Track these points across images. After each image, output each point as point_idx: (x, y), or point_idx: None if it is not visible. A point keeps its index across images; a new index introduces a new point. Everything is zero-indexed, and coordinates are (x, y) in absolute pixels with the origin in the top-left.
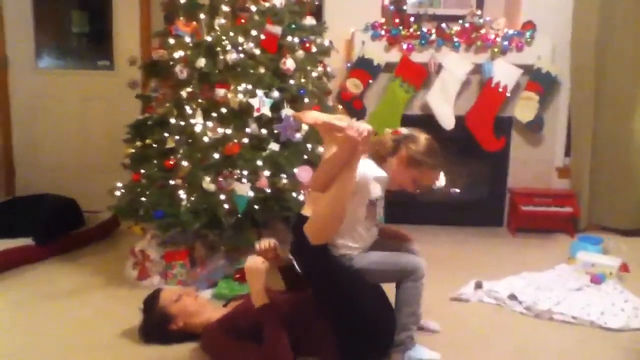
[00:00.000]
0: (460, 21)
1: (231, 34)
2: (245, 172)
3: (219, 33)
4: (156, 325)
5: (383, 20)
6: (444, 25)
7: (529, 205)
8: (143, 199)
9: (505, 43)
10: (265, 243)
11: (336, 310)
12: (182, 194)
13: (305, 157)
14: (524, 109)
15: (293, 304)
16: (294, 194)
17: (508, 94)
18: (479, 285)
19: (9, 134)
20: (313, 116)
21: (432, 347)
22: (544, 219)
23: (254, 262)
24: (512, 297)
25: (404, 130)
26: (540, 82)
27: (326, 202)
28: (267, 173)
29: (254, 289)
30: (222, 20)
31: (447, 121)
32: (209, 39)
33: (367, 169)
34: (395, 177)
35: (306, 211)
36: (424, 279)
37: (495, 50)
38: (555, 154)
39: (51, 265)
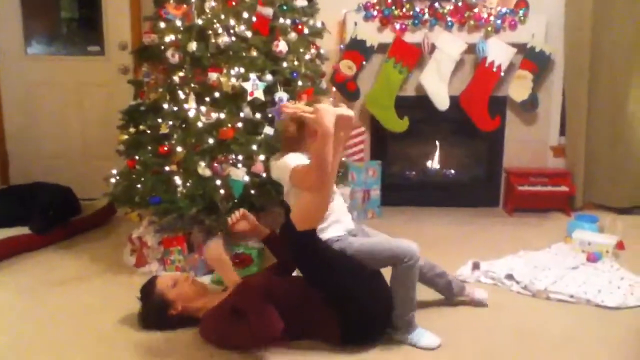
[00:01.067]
0: (453, 0)
1: (222, 16)
2: (240, 157)
3: (209, 16)
4: (155, 312)
5: (375, 0)
6: (437, 4)
7: (524, 185)
8: (139, 185)
9: (499, 22)
10: (234, 216)
11: (331, 294)
12: (177, 179)
13: None
14: (519, 88)
15: (294, 288)
16: None
17: (502, 73)
18: (476, 266)
19: (2, 122)
20: (291, 109)
21: (430, 327)
22: (540, 199)
23: (211, 251)
24: (509, 276)
25: (289, 106)
26: (534, 60)
27: (309, 189)
28: (262, 157)
29: (222, 274)
30: (213, 3)
31: (442, 102)
32: (199, 22)
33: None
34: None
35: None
36: (420, 262)
37: (489, 29)
38: (550, 133)
39: (48, 254)
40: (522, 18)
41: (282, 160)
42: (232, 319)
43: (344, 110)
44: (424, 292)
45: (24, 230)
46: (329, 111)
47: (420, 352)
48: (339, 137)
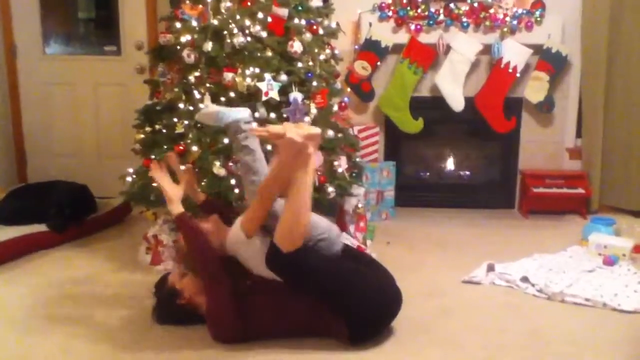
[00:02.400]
0: (469, 1)
1: (237, 17)
2: None
3: (225, 16)
4: (166, 302)
5: (390, 1)
6: (452, 5)
7: (540, 187)
8: (154, 184)
9: (515, 22)
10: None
11: (336, 302)
12: None
13: None
14: (534, 90)
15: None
16: None
17: (518, 75)
18: (491, 268)
19: (20, 121)
20: (257, 131)
21: (444, 328)
22: (556, 201)
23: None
24: (525, 279)
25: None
26: (550, 61)
27: (288, 209)
28: None
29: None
30: (229, 4)
31: (457, 103)
32: (215, 22)
33: None
34: None
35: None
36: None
37: (505, 30)
38: (566, 134)
39: (65, 252)
40: (538, 19)
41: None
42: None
43: (311, 129)
44: (430, 301)
45: (40, 228)
46: (303, 134)
47: (430, 351)
48: (305, 154)
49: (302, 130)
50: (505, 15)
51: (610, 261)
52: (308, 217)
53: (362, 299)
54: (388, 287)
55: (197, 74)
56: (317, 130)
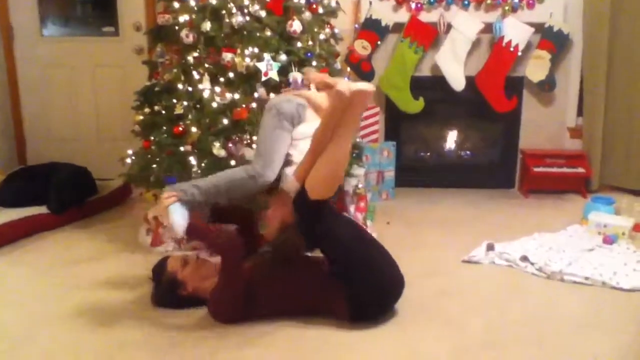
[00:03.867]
0: None
1: None
2: (254, 138)
3: None
4: (167, 292)
5: None
6: None
7: (540, 166)
8: (154, 165)
9: (516, 1)
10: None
11: (341, 264)
12: (192, 160)
13: None
14: (536, 69)
15: (303, 266)
16: None
17: (519, 53)
18: (490, 247)
19: (19, 104)
20: (313, 75)
21: (445, 308)
22: (556, 180)
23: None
24: (524, 258)
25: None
26: (552, 40)
27: (326, 159)
28: None
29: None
30: None
31: (458, 82)
32: (214, 2)
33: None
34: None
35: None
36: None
37: (506, 8)
38: (568, 114)
39: (66, 233)
40: None
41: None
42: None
43: (364, 85)
44: (430, 281)
45: (40, 210)
46: (352, 88)
47: (430, 331)
48: (355, 113)
49: (354, 85)
50: None
51: (609, 240)
52: (343, 171)
53: (369, 272)
54: (393, 270)
55: (195, 54)
56: (369, 86)
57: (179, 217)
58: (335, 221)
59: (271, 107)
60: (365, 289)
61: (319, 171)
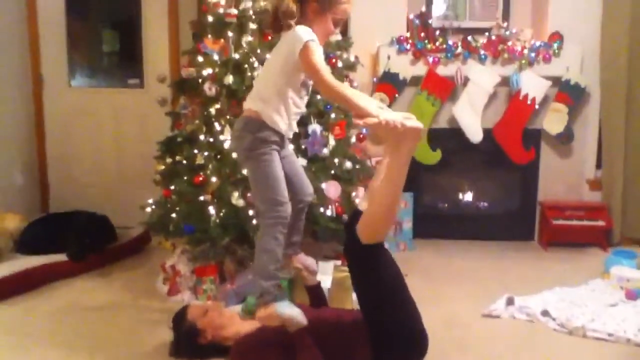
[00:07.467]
0: (487, 33)
1: (258, 50)
2: None
3: (246, 50)
4: (186, 340)
5: (408, 34)
6: (470, 37)
7: (560, 218)
8: (173, 214)
9: (532, 55)
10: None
11: (379, 311)
12: (211, 209)
13: (333, 172)
14: (553, 121)
15: (325, 315)
16: (321, 209)
17: (537, 106)
18: (510, 301)
19: (44, 151)
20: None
21: None
22: (576, 233)
23: (265, 316)
24: (545, 313)
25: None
26: (569, 93)
27: (379, 201)
28: None
29: (281, 322)
30: (250, 38)
31: (475, 134)
32: (236, 56)
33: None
34: (319, 30)
35: (362, 206)
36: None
37: (523, 62)
38: (586, 165)
39: (84, 281)
40: (556, 51)
41: (293, 31)
42: (267, 350)
43: (413, 122)
44: (450, 334)
45: (61, 257)
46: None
47: None
48: (407, 149)
49: (407, 121)
50: (523, 47)
51: (632, 295)
52: (395, 213)
53: (403, 322)
54: (421, 326)
55: (217, 106)
56: (418, 124)
57: (287, 309)
58: (386, 266)
59: (239, 153)
60: (397, 342)
61: (370, 215)
